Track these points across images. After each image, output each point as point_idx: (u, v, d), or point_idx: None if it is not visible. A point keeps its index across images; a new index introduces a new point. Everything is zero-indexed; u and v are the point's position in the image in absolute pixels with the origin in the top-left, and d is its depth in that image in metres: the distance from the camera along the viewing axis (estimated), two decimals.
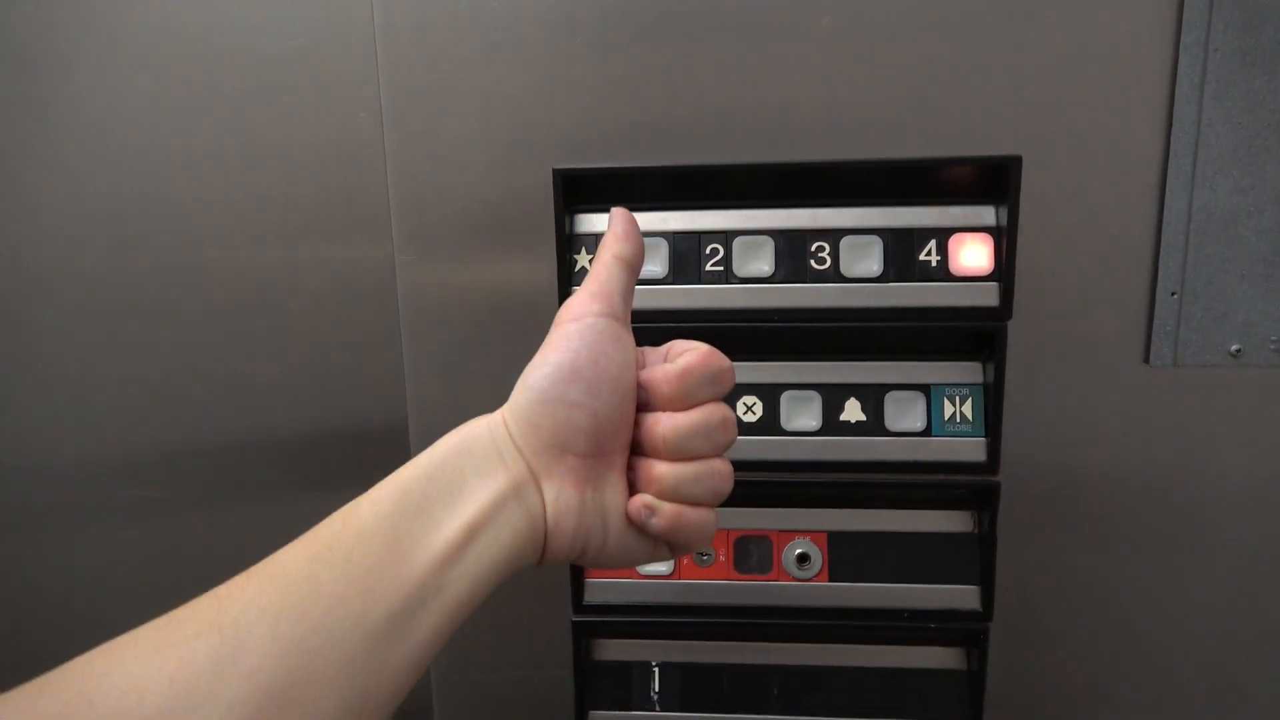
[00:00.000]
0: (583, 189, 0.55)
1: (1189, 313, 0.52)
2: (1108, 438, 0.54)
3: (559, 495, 0.38)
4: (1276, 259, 0.52)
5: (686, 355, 0.40)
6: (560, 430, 0.38)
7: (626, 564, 0.42)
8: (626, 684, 0.59)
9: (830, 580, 0.57)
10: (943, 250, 0.53)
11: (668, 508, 0.39)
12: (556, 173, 0.53)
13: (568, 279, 0.55)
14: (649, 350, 0.42)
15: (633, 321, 0.41)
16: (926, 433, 0.55)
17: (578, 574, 0.58)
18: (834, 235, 0.54)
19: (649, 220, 0.55)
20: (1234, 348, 0.53)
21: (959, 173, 0.53)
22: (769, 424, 0.56)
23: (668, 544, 0.41)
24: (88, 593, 0.66)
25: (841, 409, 0.56)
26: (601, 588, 0.58)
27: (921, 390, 0.55)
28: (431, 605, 0.34)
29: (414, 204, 0.55)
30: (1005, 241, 0.52)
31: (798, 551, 0.57)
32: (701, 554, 0.58)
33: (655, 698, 0.59)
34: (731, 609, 0.57)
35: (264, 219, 0.59)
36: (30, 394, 0.63)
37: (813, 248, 0.54)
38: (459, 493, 0.36)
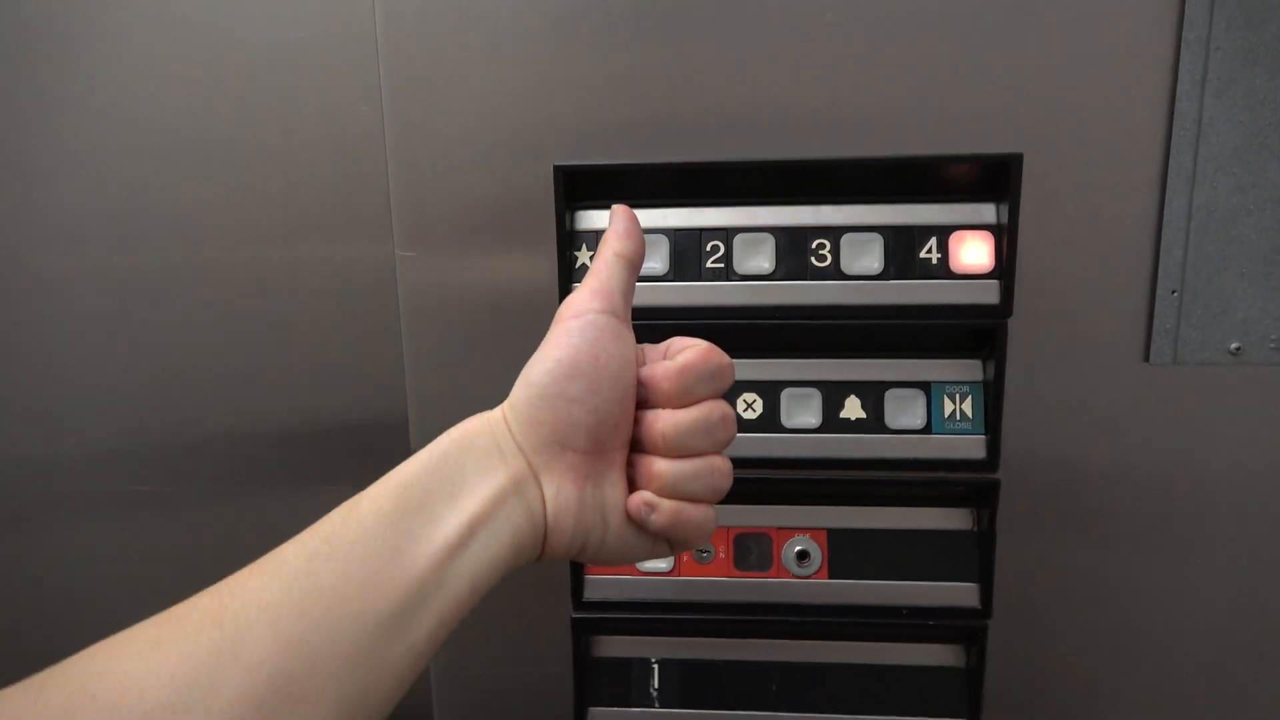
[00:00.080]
0: (584, 185, 0.55)
1: (1189, 311, 0.52)
2: (1107, 435, 0.54)
3: (559, 491, 0.38)
4: (1277, 257, 0.52)
5: (686, 352, 0.40)
6: (560, 426, 0.38)
7: (626, 560, 0.42)
8: (626, 681, 0.60)
9: (830, 577, 0.57)
10: (943, 248, 0.53)
11: (667, 504, 0.39)
12: (558, 169, 0.53)
13: (568, 276, 0.55)
14: (649, 347, 0.42)
15: (633, 318, 0.41)
16: (926, 430, 0.55)
17: (577, 571, 0.58)
18: (834, 232, 0.54)
19: (650, 217, 0.54)
20: (1234, 346, 0.53)
21: (960, 170, 0.53)
22: (769, 421, 0.56)
23: (667, 541, 0.41)
24: (89, 589, 0.66)
25: (841, 406, 0.56)
26: (601, 584, 0.59)
27: (921, 388, 0.55)
28: (431, 602, 0.34)
29: (414, 201, 0.55)
30: (1006, 239, 0.52)
31: (797, 549, 0.57)
32: (701, 551, 0.58)
33: (655, 694, 0.59)
34: (731, 606, 0.57)
35: (264, 217, 0.59)
36: (30, 392, 0.63)
37: (813, 245, 0.54)
38: (459, 489, 0.36)
